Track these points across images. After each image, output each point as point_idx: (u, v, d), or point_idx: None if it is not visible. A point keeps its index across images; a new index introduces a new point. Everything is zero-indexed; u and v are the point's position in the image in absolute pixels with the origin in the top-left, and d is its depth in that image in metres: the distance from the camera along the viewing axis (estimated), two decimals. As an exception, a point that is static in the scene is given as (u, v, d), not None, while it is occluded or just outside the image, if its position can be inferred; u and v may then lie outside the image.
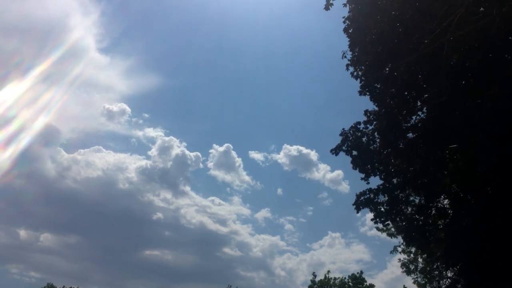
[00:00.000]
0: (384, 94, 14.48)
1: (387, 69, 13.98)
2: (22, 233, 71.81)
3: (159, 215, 77.02)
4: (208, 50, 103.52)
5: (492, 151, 11.08)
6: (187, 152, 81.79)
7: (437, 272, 24.26)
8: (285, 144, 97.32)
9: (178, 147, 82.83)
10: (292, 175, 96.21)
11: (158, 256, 77.29)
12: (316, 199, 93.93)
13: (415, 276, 25.97)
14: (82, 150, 78.07)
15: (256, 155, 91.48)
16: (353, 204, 15.81)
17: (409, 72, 13.04)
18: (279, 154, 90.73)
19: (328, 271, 33.16)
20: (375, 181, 15.81)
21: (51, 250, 74.34)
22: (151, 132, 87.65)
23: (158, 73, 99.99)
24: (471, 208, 12.43)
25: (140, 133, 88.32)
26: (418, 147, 14.10)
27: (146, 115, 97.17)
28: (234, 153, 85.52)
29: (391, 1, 12.76)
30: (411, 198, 16.23)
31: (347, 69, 15.12)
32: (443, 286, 23.61)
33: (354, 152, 15.81)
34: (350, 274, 34.34)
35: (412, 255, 26.05)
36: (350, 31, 14.38)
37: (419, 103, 14.46)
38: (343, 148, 15.93)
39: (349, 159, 15.96)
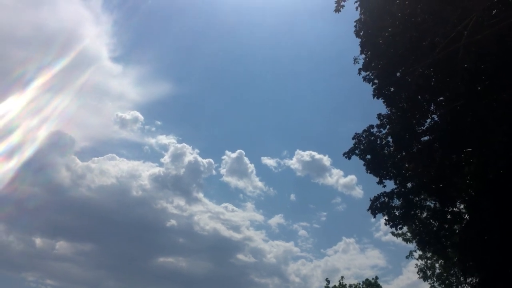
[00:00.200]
0: (397, 97, 14.40)
1: (400, 72, 13.90)
2: (38, 241, 72.94)
3: (173, 222, 77.30)
4: (218, 55, 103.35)
5: (502, 155, 10.89)
6: (199, 158, 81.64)
7: (454, 278, 23.76)
8: (297, 150, 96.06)
9: (190, 154, 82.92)
10: (305, 180, 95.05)
11: (172, 263, 77.46)
12: (330, 204, 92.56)
13: (431, 282, 25.45)
14: (96, 158, 78.59)
15: (268, 161, 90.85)
16: (368, 209, 15.66)
17: (424, 76, 12.95)
18: (291, 159, 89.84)
19: (342, 277, 32.45)
20: (389, 185, 15.71)
21: (67, 258, 75.26)
22: (163, 139, 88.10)
23: (169, 80, 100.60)
24: (484, 213, 12.20)
25: (152, 141, 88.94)
26: (433, 151, 13.96)
27: (159, 123, 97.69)
28: (246, 159, 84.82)
29: (402, 4, 12.72)
30: (427, 203, 16.06)
31: (359, 73, 15.07)
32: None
33: (368, 156, 15.71)
34: (364, 280, 33.61)
35: (428, 260, 25.56)
36: (361, 33, 14.37)
37: (432, 107, 14.32)
38: (356, 151, 15.82)
39: (362, 164, 15.88)
